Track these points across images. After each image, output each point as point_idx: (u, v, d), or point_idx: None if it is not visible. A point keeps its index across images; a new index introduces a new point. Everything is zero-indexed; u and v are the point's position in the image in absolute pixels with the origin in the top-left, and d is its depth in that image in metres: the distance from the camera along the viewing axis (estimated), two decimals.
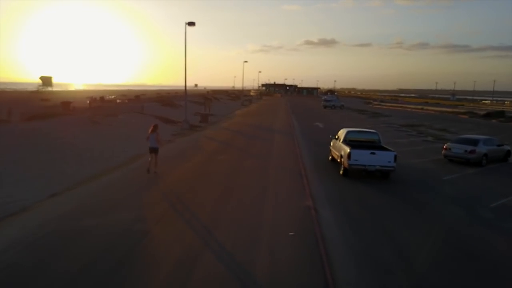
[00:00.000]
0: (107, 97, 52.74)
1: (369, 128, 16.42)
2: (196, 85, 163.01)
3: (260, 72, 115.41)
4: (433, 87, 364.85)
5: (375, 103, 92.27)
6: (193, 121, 29.18)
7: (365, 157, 12.22)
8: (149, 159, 11.95)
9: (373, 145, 13.49)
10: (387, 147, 13.43)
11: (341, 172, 13.05)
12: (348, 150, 12.35)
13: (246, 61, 62.76)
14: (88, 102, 34.03)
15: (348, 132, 14.28)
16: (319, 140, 21.31)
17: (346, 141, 13.63)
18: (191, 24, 24.25)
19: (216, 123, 30.16)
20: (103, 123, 19.78)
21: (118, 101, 47.06)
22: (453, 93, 59.07)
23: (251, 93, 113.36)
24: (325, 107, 59.06)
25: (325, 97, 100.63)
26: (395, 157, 12.23)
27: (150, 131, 12.16)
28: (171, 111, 34.05)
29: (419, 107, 67.96)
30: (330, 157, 15.60)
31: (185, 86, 26.49)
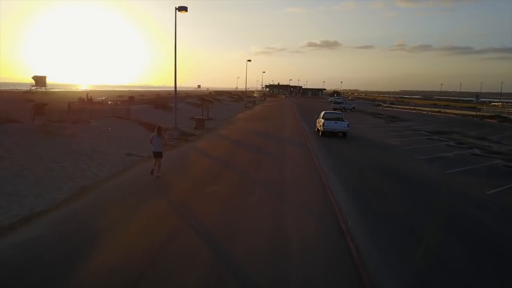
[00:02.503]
0: (98, 98, 48.37)
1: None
2: (199, 86, 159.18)
3: (264, 72, 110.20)
4: (437, 89, 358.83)
5: (385, 105, 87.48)
6: (187, 127, 24.57)
7: (332, 125, 22.58)
8: (154, 161, 11.56)
9: (338, 119, 23.24)
10: (344, 119, 23.43)
11: (320, 134, 23.31)
12: (323, 121, 22.81)
13: (249, 60, 58.06)
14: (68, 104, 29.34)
15: (325, 113, 24.51)
16: (345, 154, 16.53)
17: (323, 117, 23.59)
18: (182, 9, 19.59)
19: (214, 129, 25.47)
20: (64, 133, 15.09)
21: (109, 102, 42.67)
22: (477, 94, 53.29)
23: (255, 95, 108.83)
24: (335, 109, 54.16)
25: (334, 98, 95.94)
26: (348, 124, 22.70)
27: (154, 134, 11.64)
28: (164, 115, 29.41)
29: (436, 109, 62.95)
30: (316, 129, 25.17)
31: (175, 84, 21.80)
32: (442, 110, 61.61)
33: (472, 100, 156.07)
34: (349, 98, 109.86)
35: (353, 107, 55.66)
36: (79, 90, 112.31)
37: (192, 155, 15.47)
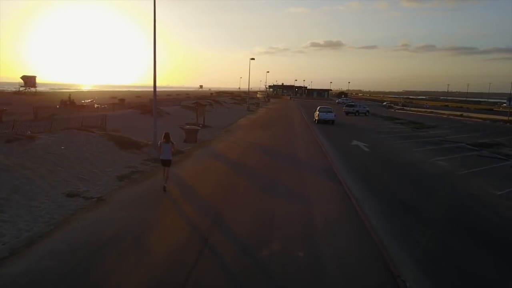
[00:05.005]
0: (83, 101, 43.52)
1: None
2: (201, 86, 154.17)
3: (268, 72, 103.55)
4: (441, 89, 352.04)
5: (397, 107, 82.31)
6: (176, 140, 19.51)
7: (324, 115, 34.08)
8: (163, 171, 10.57)
9: (328, 112, 34.68)
10: (332, 110, 35.18)
11: (316, 122, 34.62)
12: (318, 113, 34.79)
13: (252, 58, 52.92)
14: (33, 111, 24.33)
15: (319, 108, 36.09)
16: (394, 190, 11.25)
17: (319, 111, 35.22)
18: None
19: (208, 142, 20.40)
20: None
21: (96, 106, 37.81)
22: (510, 97, 47.22)
23: (258, 95, 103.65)
24: (347, 113, 48.95)
25: (343, 100, 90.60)
26: (335, 115, 34.40)
27: (162, 140, 10.66)
28: (152, 123, 24.35)
29: (458, 113, 57.53)
30: (314, 119, 36.12)
31: (154, 85, 16.69)
32: (464, 114, 56.17)
33: (481, 101, 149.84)
34: (384, 103, 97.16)
35: (367, 111, 50.38)
36: (75, 90, 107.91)
37: (166, 197, 10.31)
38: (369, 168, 14.98)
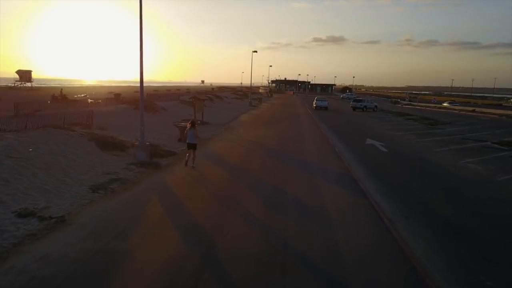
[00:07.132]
0: (76, 96, 41.36)
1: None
2: (202, 82, 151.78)
3: (271, 66, 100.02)
4: (444, 84, 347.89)
5: (404, 102, 79.71)
6: (169, 139, 17.57)
7: (319, 103, 46.93)
8: (187, 154, 12.29)
9: (323, 100, 47.88)
10: (326, 99, 49.32)
11: (314, 108, 46.25)
12: (315, 101, 47.66)
13: (255, 51, 50.45)
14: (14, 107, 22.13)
15: (316, 97, 49.97)
16: (439, 208, 8.96)
17: (316, 100, 48.14)
18: None
19: (206, 141, 18.16)
20: None
21: (90, 101, 35.66)
22: None
23: (260, 91, 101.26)
24: (354, 109, 46.60)
25: (347, 95, 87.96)
26: (328, 103, 47.80)
27: (188, 127, 12.26)
28: (146, 119, 22.10)
29: (469, 108, 54.96)
30: (313, 106, 47.31)
31: (141, 77, 14.38)
32: (477, 109, 53.57)
33: (487, 96, 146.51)
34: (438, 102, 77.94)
35: (375, 106, 47.90)
36: (76, 85, 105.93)
37: (145, 217, 8.09)
38: (393, 174, 12.72)
